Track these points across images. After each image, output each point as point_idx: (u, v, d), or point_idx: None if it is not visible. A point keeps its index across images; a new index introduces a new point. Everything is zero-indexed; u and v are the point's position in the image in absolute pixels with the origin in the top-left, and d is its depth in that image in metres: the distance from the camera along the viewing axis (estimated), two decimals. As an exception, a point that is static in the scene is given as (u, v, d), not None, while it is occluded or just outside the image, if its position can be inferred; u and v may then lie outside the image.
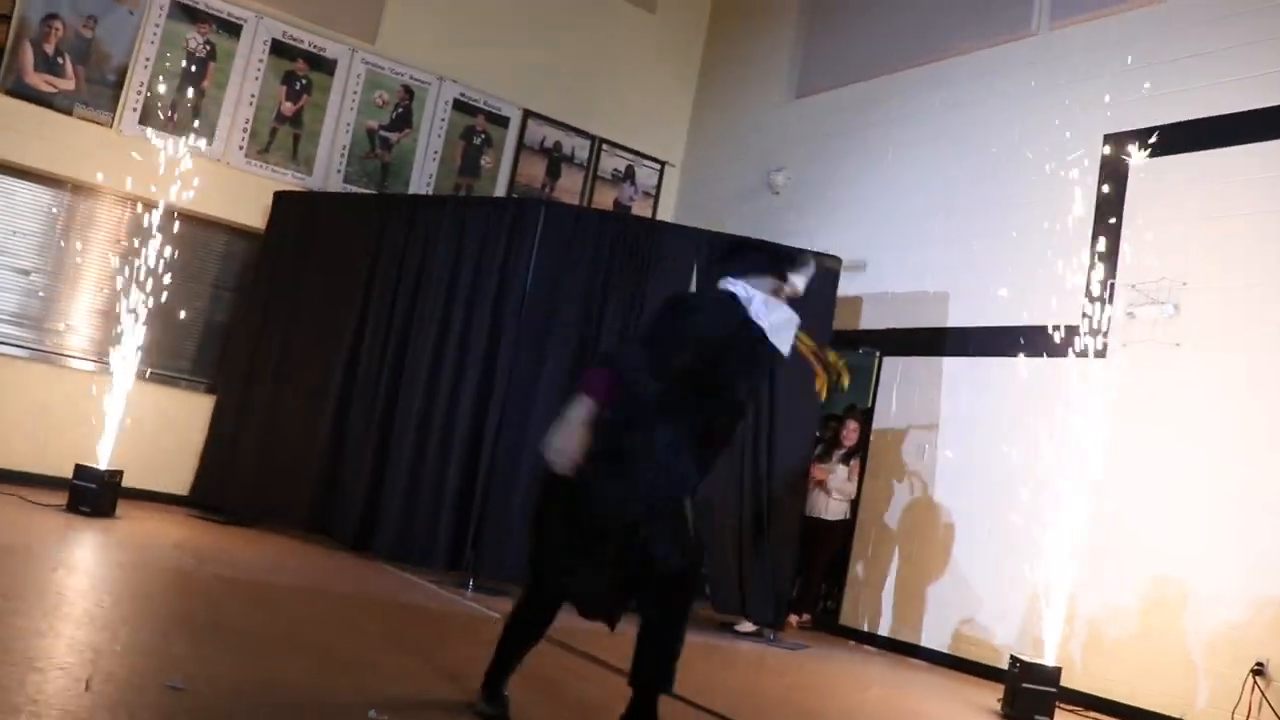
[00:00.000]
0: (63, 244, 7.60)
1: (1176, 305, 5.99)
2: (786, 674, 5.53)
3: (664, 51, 10.08)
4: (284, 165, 8.27)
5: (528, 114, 9.29)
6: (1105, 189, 6.37)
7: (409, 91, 8.76)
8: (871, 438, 7.53)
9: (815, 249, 6.88)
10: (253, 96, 8.15)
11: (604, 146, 9.68)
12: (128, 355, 6.71)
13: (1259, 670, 5.21)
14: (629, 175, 9.79)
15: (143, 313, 6.76)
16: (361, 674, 3.54)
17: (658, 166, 10.00)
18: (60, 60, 7.45)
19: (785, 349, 3.17)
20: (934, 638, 6.80)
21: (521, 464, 6.26)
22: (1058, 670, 5.33)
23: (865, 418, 7.66)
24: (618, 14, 9.85)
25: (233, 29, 8.08)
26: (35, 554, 4.78)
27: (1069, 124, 6.60)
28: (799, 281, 3.27)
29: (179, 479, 7.61)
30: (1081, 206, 6.11)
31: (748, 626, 6.53)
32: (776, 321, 3.14)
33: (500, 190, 9.13)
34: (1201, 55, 6.23)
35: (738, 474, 6.39)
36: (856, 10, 8.79)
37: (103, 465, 6.39)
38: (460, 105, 8.98)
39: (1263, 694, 5.16)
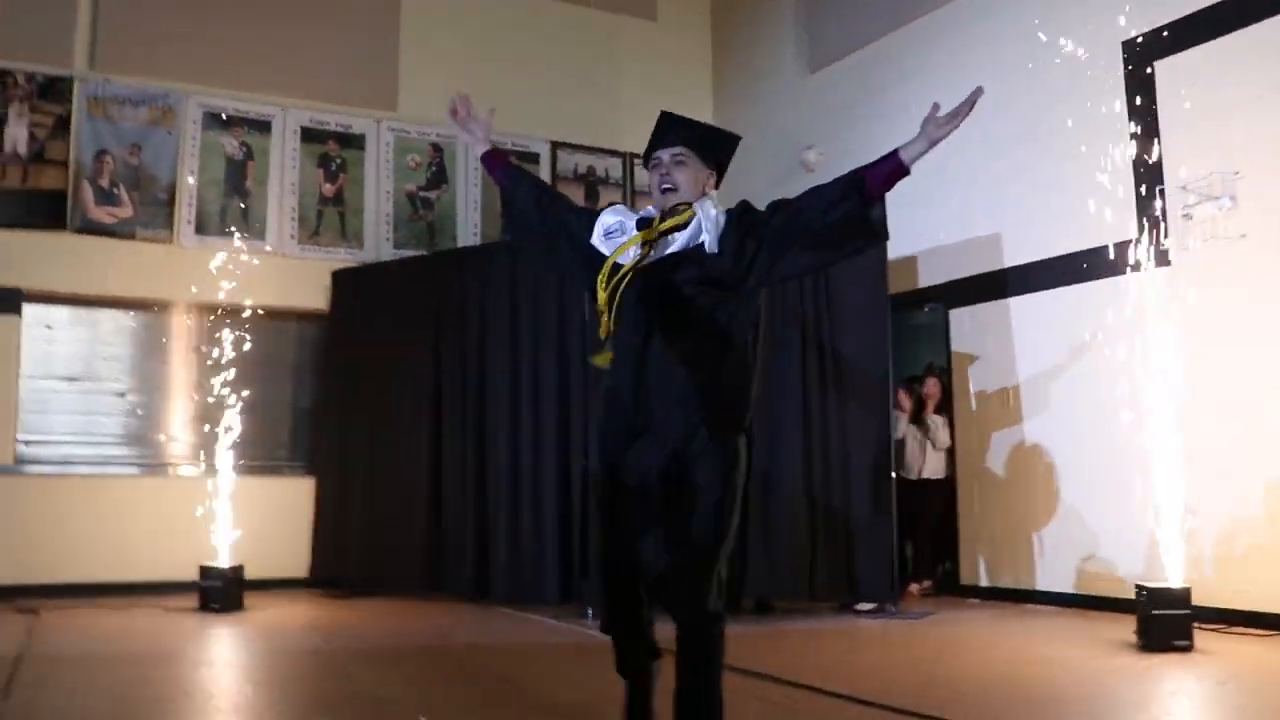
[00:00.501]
0: (149, 360, 8.02)
1: (1233, 196, 5.81)
2: (911, 644, 5.51)
3: (673, 54, 10.13)
4: (335, 244, 8.57)
5: (555, 145, 9.45)
6: (1136, 94, 6.21)
7: (438, 149, 8.99)
8: (955, 392, 7.45)
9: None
10: (294, 185, 8.48)
11: (636, 161, 9.78)
12: (227, 454, 7.03)
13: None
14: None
15: (233, 411, 7.08)
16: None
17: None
18: (116, 191, 7.87)
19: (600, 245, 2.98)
20: (1056, 581, 6.69)
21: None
22: (1187, 591, 5.15)
23: (944, 374, 7.59)
24: (621, 29, 9.94)
25: (263, 126, 8.43)
26: (179, 655, 5.06)
27: (1089, 37, 6.46)
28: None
29: (297, 562, 7.92)
30: (1116, 118, 5.98)
31: (867, 604, 6.51)
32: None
33: (544, 225, 9.26)
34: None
35: (803, 450, 6.37)
36: (855, -28, 8.72)
37: (224, 563, 6.70)
38: (489, 151, 9.15)
39: None
